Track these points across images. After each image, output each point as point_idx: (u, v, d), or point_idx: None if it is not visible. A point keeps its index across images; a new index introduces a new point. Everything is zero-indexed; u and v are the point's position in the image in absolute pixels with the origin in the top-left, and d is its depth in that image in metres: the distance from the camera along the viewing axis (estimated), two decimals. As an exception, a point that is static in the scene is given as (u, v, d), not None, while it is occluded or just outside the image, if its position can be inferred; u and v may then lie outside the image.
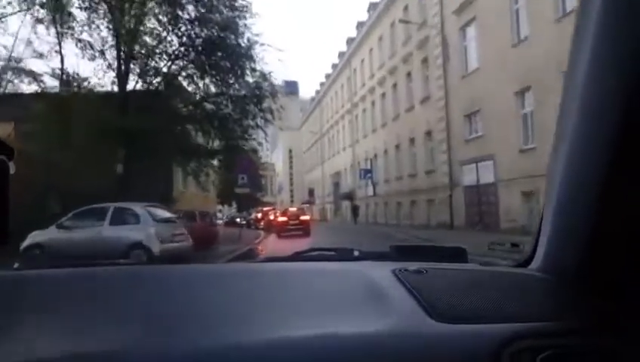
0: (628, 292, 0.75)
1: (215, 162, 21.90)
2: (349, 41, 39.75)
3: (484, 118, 17.59)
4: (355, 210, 34.83)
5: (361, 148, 35.47)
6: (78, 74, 16.77)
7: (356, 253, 1.23)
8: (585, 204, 0.74)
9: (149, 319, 0.76)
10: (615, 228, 0.73)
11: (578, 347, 0.67)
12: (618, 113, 0.65)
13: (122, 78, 17.34)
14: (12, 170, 0.63)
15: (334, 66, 45.28)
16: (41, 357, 0.65)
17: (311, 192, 53.28)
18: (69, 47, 17.31)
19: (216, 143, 20.91)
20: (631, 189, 0.69)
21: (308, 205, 58.63)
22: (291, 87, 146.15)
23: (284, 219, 23.54)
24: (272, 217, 27.72)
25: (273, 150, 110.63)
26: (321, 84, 51.76)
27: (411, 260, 1.04)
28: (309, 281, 0.93)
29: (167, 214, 10.40)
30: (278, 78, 20.64)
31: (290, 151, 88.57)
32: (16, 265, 1.48)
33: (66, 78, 16.50)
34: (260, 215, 32.96)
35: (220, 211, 57.29)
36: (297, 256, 1.26)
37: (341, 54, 42.45)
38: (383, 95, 30.22)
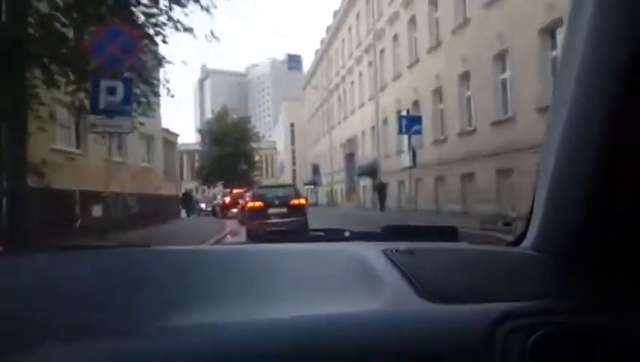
0: (622, 269, 0.73)
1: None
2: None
3: None
4: (380, 190, 23.21)
5: (389, 97, 23.62)
6: None
7: (347, 234, 1.20)
8: (578, 181, 0.73)
9: (129, 306, 0.74)
10: (608, 205, 0.72)
11: (573, 325, 0.66)
12: (616, 89, 0.64)
13: None
14: None
15: (346, -5, 33.16)
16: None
17: (315, 169, 41.50)
18: None
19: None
20: (626, 166, 0.68)
21: (312, 186, 47.16)
22: (294, 62, 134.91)
23: (259, 205, 12.06)
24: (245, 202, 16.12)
25: (274, 126, 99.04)
26: (327, 29, 39.65)
27: (402, 240, 1.04)
28: (297, 262, 0.91)
29: None
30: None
31: (292, 125, 77.11)
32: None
33: None
34: (228, 199, 21.77)
35: (203, 194, 45.94)
36: (286, 237, 1.26)
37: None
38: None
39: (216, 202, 25.31)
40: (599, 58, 0.66)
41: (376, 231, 1.18)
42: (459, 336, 0.64)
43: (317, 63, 44.25)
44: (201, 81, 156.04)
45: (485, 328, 0.64)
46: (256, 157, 50.00)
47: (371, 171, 26.27)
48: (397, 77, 22.53)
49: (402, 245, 0.94)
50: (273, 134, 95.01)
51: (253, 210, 11.96)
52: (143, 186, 18.40)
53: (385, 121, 24.67)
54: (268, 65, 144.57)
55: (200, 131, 45.29)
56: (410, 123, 15.16)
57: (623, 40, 0.61)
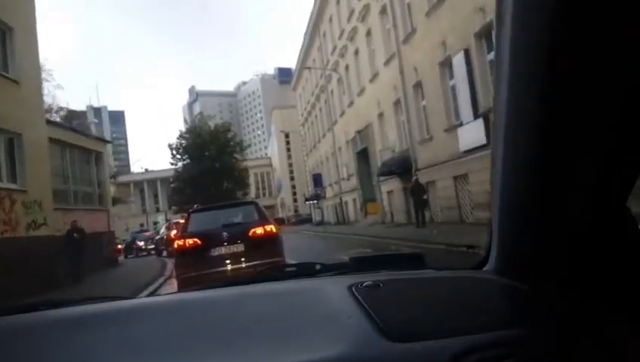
0: (584, 289, 0.73)
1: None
2: None
3: None
4: (417, 194, 14.30)
5: (424, 44, 14.80)
6: None
7: (317, 267, 1.18)
8: (530, 200, 0.73)
9: None
10: (563, 223, 0.71)
11: (533, 355, 0.66)
12: (546, 104, 0.65)
13: None
14: None
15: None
16: None
17: (317, 180, 32.64)
18: None
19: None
20: (575, 182, 0.68)
21: (315, 201, 38.27)
22: (285, 75, 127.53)
23: (193, 242, 5.75)
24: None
25: (269, 142, 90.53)
26: (314, 2, 31.11)
27: (370, 270, 1.06)
28: (261, 307, 0.88)
29: None
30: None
31: (287, 135, 68.29)
32: None
33: None
34: (173, 233, 13.66)
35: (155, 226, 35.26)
36: (253, 277, 1.19)
37: None
38: None
39: (158, 237, 16.80)
40: (520, 65, 0.66)
41: (345, 262, 1.16)
42: None
43: (307, 47, 35.66)
44: (190, 105, 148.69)
45: None
46: (248, 172, 41.26)
47: (401, 168, 17.39)
48: (436, 5, 13.74)
49: (369, 278, 0.93)
50: (268, 151, 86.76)
51: (183, 252, 6.09)
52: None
53: (417, 86, 15.86)
54: (258, 81, 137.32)
55: (170, 147, 36.45)
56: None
57: (540, 48, 0.62)
